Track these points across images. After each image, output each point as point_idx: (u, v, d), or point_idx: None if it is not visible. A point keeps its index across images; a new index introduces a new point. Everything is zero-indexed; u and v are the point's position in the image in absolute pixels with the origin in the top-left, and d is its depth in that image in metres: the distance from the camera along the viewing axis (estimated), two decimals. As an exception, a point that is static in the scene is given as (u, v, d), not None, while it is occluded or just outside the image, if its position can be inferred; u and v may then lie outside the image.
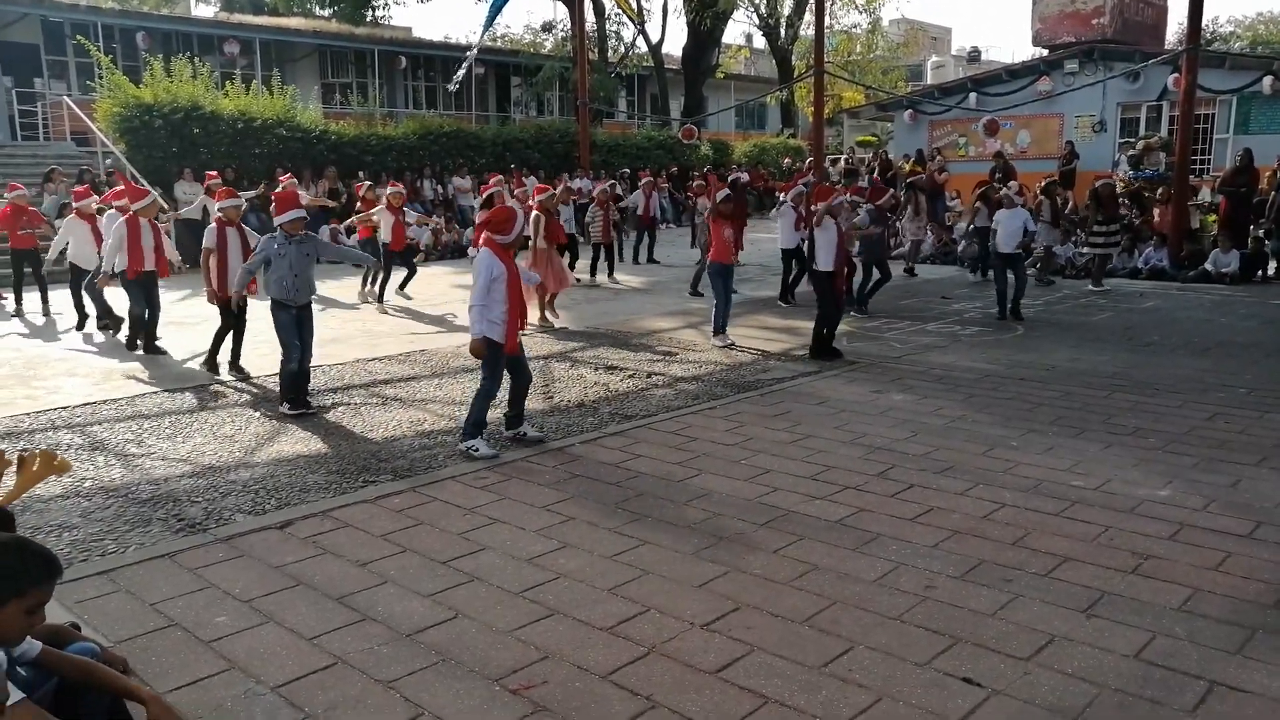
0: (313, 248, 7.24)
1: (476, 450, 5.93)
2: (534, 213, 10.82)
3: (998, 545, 4.43)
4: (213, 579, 4.17)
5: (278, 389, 7.33)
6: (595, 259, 14.89)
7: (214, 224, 8.39)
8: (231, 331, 8.36)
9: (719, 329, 9.61)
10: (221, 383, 8.14)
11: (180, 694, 3.23)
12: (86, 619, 3.68)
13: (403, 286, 12.85)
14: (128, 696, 2.78)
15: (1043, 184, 14.55)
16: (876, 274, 11.56)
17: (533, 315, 10.82)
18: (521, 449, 6.10)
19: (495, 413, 6.34)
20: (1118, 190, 15.43)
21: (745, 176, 18.06)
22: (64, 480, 5.45)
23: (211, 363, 8.43)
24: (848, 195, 11.64)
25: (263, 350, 9.04)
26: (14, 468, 3.56)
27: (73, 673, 2.79)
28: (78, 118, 19.20)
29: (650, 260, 17.22)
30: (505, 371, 6.16)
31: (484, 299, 5.84)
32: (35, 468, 3.47)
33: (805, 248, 12.80)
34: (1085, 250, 14.38)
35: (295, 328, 7.04)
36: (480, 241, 6.08)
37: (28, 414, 7.17)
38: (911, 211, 15.79)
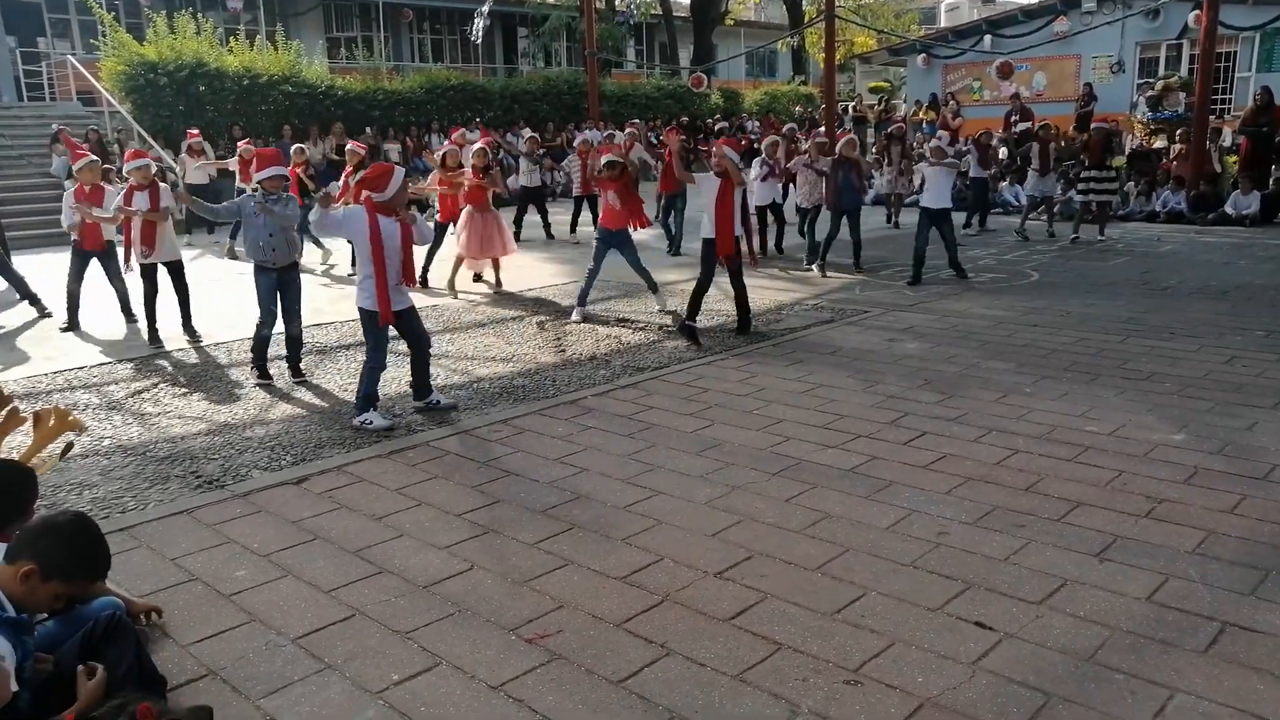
0: (294, 208, 6.78)
1: (370, 423, 5.65)
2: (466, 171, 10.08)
3: (1010, 491, 4.43)
4: (231, 534, 4.22)
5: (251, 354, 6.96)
6: (576, 213, 14.12)
7: (125, 188, 7.99)
8: (176, 296, 8.16)
9: (582, 300, 8.80)
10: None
11: (203, 646, 3.29)
12: (110, 574, 3.73)
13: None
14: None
15: (1035, 128, 14.22)
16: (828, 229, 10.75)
17: (485, 274, 10.29)
18: (523, 404, 6.11)
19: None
20: (1126, 136, 14.99)
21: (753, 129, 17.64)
22: (83, 439, 5.51)
23: (153, 334, 8.11)
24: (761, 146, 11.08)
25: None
26: (30, 424, 3.61)
27: None
28: (83, 77, 19.10)
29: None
30: (405, 338, 5.94)
31: (320, 222, 5.71)
32: (51, 423, 3.51)
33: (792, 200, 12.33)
34: (1076, 197, 13.74)
35: (274, 292, 6.72)
36: (358, 199, 5.73)
37: (46, 374, 7.24)
38: (886, 163, 14.80)
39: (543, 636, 3.30)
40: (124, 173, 8.17)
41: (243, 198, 6.92)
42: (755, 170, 11.56)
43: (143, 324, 8.32)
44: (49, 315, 9.36)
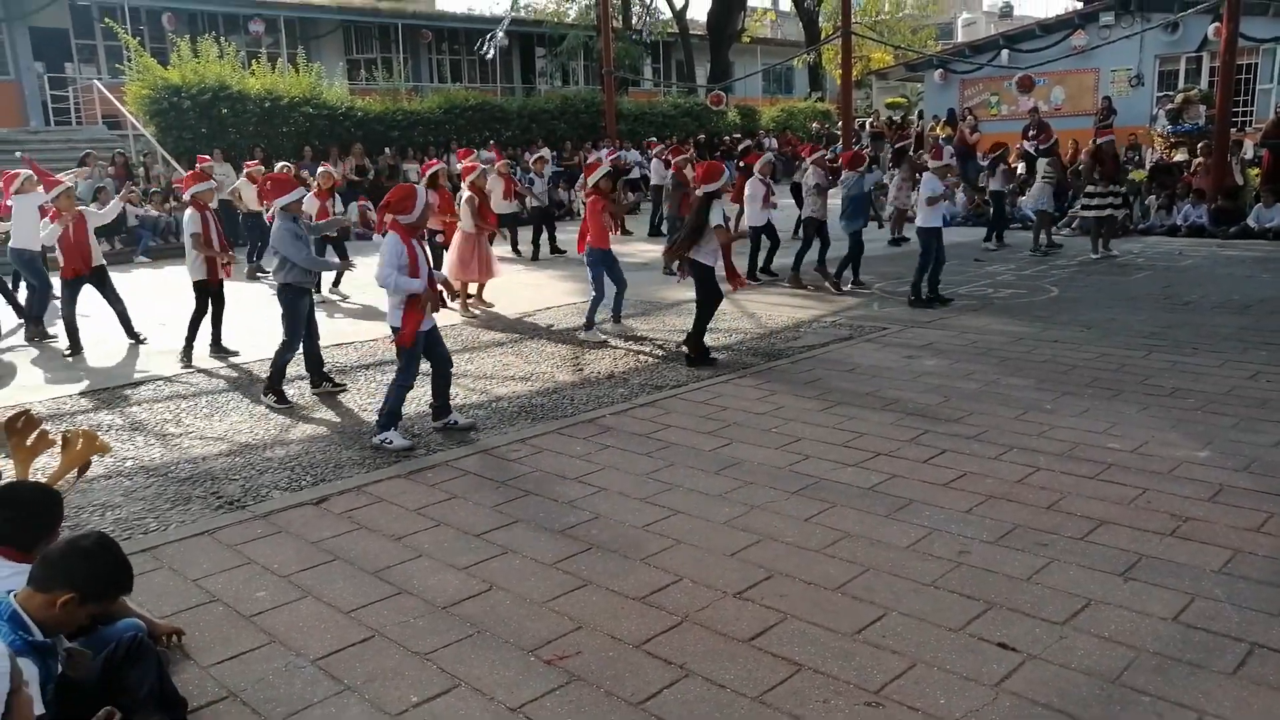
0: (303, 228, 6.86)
1: (389, 443, 5.64)
2: (466, 193, 9.92)
3: (1032, 509, 4.39)
4: (252, 555, 4.24)
5: (267, 378, 6.91)
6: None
7: (193, 209, 8.06)
8: (210, 314, 8.29)
9: (590, 322, 8.70)
10: (232, 365, 8.16)
11: (223, 667, 3.30)
12: (132, 595, 3.75)
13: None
14: None
15: (1049, 143, 14.12)
16: (817, 243, 10.82)
17: (458, 305, 9.95)
18: (541, 423, 6.12)
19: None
20: (1146, 150, 14.77)
21: (767, 145, 17.66)
22: (106, 460, 5.56)
23: (189, 352, 8.19)
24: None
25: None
26: (59, 447, 3.66)
27: None
28: (108, 101, 19.42)
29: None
30: (430, 359, 5.94)
31: (395, 285, 5.56)
32: (78, 447, 3.56)
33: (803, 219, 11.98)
34: (1082, 213, 13.45)
35: (306, 314, 6.85)
36: (385, 225, 5.64)
37: (69, 396, 7.32)
38: (898, 180, 14.46)
39: (562, 658, 3.30)
40: (189, 196, 8.18)
41: (285, 225, 6.61)
42: (749, 190, 11.13)
43: (150, 345, 8.42)
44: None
